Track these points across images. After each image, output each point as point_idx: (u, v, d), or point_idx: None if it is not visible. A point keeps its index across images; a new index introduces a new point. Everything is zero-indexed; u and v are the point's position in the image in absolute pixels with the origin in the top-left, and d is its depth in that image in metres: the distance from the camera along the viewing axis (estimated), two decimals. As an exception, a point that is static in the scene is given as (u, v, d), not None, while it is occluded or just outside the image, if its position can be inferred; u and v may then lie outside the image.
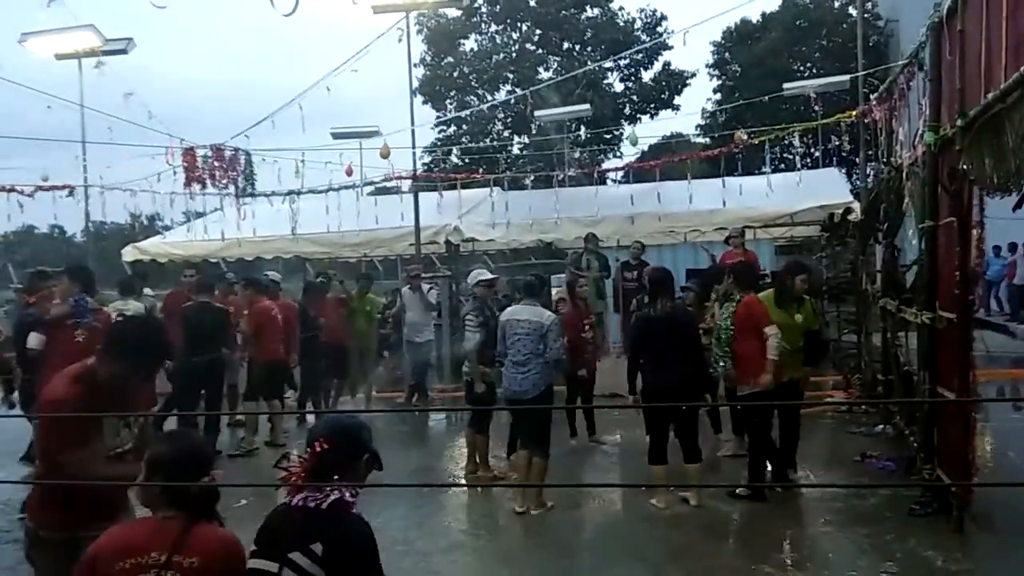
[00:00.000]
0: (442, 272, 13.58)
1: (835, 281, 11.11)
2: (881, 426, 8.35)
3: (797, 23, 30.48)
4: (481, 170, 17.36)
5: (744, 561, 5.24)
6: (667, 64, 32.28)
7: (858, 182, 13.38)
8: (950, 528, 5.43)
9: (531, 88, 19.39)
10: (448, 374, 12.02)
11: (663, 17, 32.06)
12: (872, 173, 11.35)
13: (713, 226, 12.94)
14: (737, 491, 6.48)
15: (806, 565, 5.13)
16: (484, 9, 32.36)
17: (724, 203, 12.66)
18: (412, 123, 14.12)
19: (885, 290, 8.27)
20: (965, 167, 5.02)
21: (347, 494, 2.39)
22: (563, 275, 12.20)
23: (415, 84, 17.28)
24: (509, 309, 6.72)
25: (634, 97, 32.94)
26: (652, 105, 32.72)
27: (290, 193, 13.72)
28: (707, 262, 11.76)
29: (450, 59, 32.14)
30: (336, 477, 2.40)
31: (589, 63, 27.51)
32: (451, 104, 31.78)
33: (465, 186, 14.66)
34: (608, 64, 30.42)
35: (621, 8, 32.52)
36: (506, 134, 32.04)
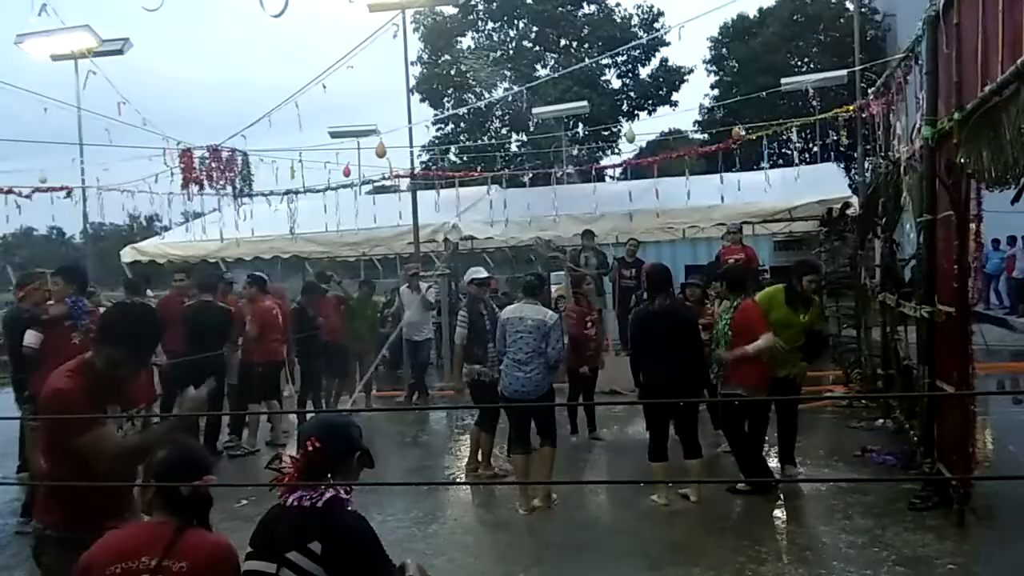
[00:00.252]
0: (441, 270, 13.56)
1: (834, 276, 11.10)
2: (881, 420, 8.36)
3: (794, 18, 30.43)
4: (479, 168, 17.31)
5: (745, 557, 5.24)
6: (664, 60, 32.25)
7: (856, 177, 13.37)
8: (951, 521, 5.44)
9: (528, 85, 19.41)
10: (448, 372, 12.01)
11: (660, 13, 32.03)
12: (870, 167, 11.34)
13: (711, 222, 12.95)
14: (738, 486, 6.49)
15: (807, 560, 5.13)
16: (481, 7, 32.30)
17: (722, 199, 12.67)
18: (409, 121, 14.10)
19: (884, 284, 8.27)
20: (962, 160, 5.01)
21: (341, 492, 2.40)
22: (561, 272, 12.20)
23: (412, 82, 17.22)
24: (510, 308, 6.72)
25: (632, 93, 32.89)
26: (650, 101, 32.68)
27: (288, 193, 13.70)
28: (707, 259, 11.77)
29: (447, 57, 32.08)
30: (329, 475, 2.41)
31: (586, 60, 27.45)
32: (448, 102, 31.72)
33: (463, 184, 14.64)
34: (605, 61, 30.38)
35: (618, 4, 32.48)
36: (504, 132, 32.00)
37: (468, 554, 5.60)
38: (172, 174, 12.98)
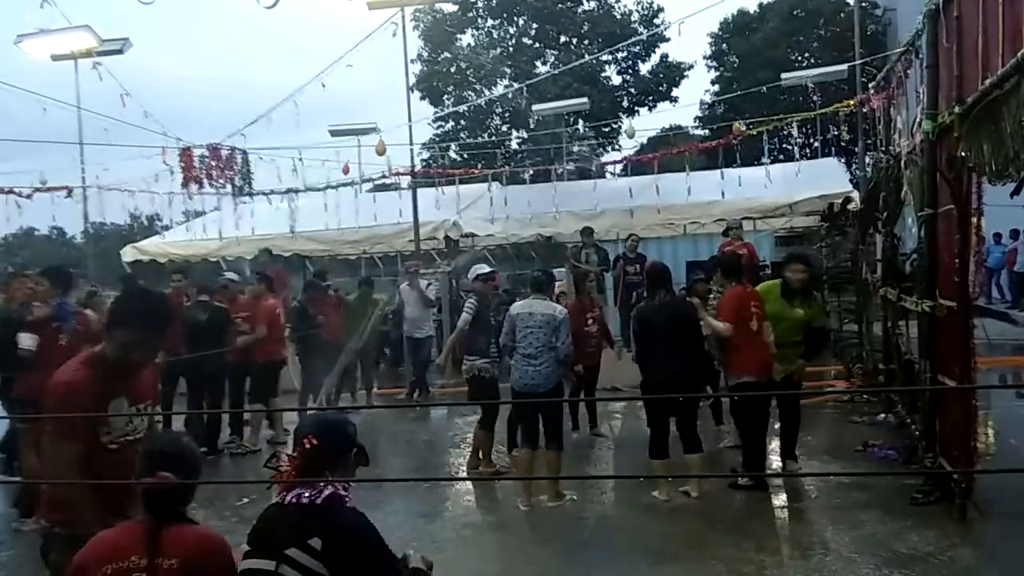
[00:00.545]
0: (441, 267, 13.56)
1: (835, 271, 11.10)
2: (883, 415, 8.35)
3: (794, 13, 30.39)
4: (479, 165, 17.30)
5: (746, 552, 5.23)
6: (665, 56, 32.24)
7: (857, 171, 13.34)
8: (953, 516, 5.43)
9: (529, 82, 19.39)
10: (449, 370, 12.01)
11: (660, 9, 32.00)
12: (871, 162, 11.32)
13: (712, 218, 12.94)
14: (739, 481, 6.48)
15: (808, 555, 5.12)
16: (480, 4, 32.28)
17: (723, 194, 12.66)
18: (409, 119, 14.10)
19: (885, 279, 8.25)
20: (963, 154, 5.00)
21: (340, 488, 2.40)
22: (562, 269, 12.19)
23: (412, 80, 17.23)
24: (519, 303, 6.73)
25: (632, 90, 32.87)
26: (650, 97, 32.66)
27: (288, 191, 13.70)
28: (709, 255, 11.74)
29: (447, 54, 32.06)
30: (327, 472, 2.41)
31: (586, 56, 27.43)
32: (448, 99, 31.70)
33: (463, 181, 14.63)
34: (605, 57, 30.34)
35: (618, 0, 32.45)
36: (504, 129, 31.99)
37: (469, 551, 5.60)
38: (172, 173, 12.99)
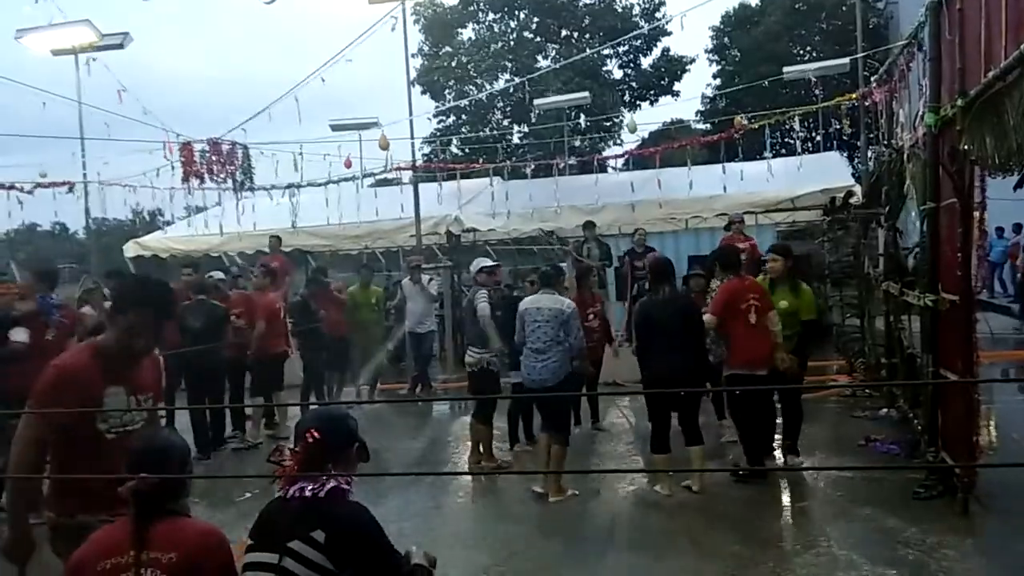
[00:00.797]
0: (443, 263, 13.55)
1: (837, 265, 11.08)
2: (885, 410, 8.34)
3: (796, 6, 30.34)
4: (481, 160, 17.29)
5: (748, 546, 5.23)
6: (666, 50, 32.15)
7: (859, 165, 13.35)
8: (955, 510, 5.42)
9: (530, 76, 19.35)
10: (451, 365, 12.02)
11: (661, 3, 31.88)
12: (873, 156, 11.29)
13: (714, 212, 12.91)
14: (740, 472, 6.48)
15: (810, 549, 5.12)
16: (481, -2, 32.22)
17: (725, 189, 12.64)
18: (411, 113, 14.07)
19: (887, 273, 8.24)
20: (966, 147, 4.98)
21: (342, 482, 2.40)
22: (563, 264, 12.18)
23: (413, 75, 17.19)
24: (528, 298, 6.74)
25: (633, 84, 32.80)
26: (651, 91, 32.59)
27: (290, 186, 13.70)
28: (710, 249, 11.72)
29: (448, 49, 32.00)
30: (329, 467, 2.42)
31: (588, 50, 27.36)
32: (450, 94, 31.65)
33: (465, 176, 14.62)
34: (607, 51, 30.28)
35: (619, -6, 32.37)
36: (505, 123, 31.95)
37: (470, 546, 5.60)
38: (173, 168, 12.99)
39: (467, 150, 27.57)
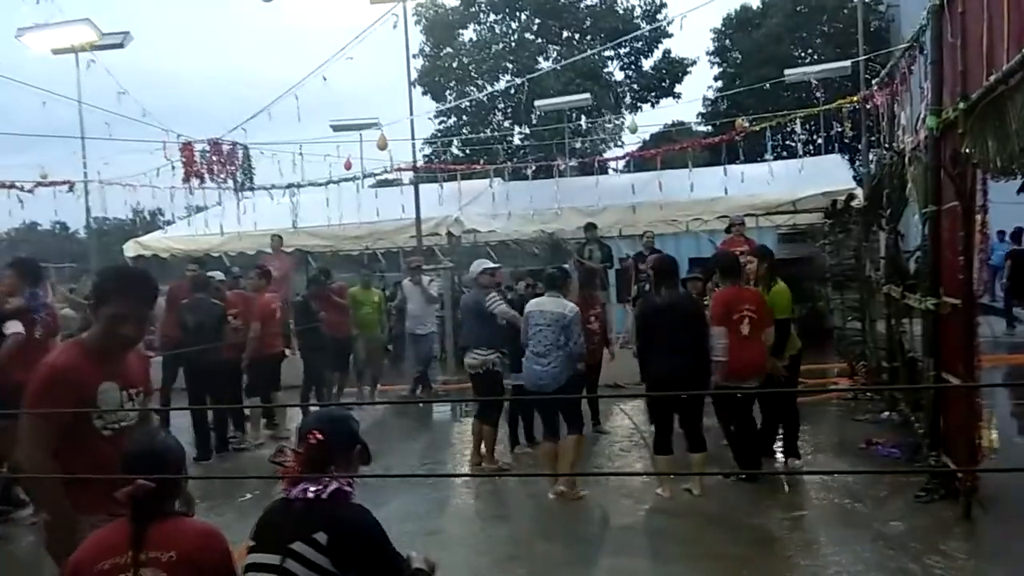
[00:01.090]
0: (444, 264, 13.54)
1: (838, 268, 11.06)
2: (886, 413, 8.33)
3: (797, 9, 30.33)
4: (482, 161, 17.29)
5: (749, 549, 5.23)
6: (667, 52, 32.15)
7: (861, 168, 13.32)
8: (957, 514, 5.41)
9: (530, 77, 19.35)
10: (452, 366, 12.01)
11: (663, 4, 31.89)
12: (875, 159, 11.28)
13: (715, 214, 12.90)
14: (742, 477, 6.47)
15: (811, 552, 5.12)
16: (482, -1, 32.23)
17: (726, 191, 12.63)
18: (411, 114, 14.07)
19: (889, 276, 8.23)
20: (968, 150, 4.97)
21: (344, 484, 2.40)
22: (565, 266, 12.17)
23: (414, 75, 17.19)
24: (533, 300, 6.72)
25: (634, 85, 32.81)
26: (653, 93, 32.59)
27: (290, 186, 13.70)
28: (711, 251, 11.72)
29: (449, 49, 32.01)
30: (332, 468, 2.41)
31: (589, 52, 27.37)
32: (451, 95, 31.66)
33: (465, 177, 14.60)
34: (608, 52, 30.29)
35: (620, -4, 32.37)
36: (506, 124, 31.95)
37: (469, 548, 5.59)
38: (173, 167, 12.98)
39: (468, 151, 27.57)
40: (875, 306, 9.38)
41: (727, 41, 32.15)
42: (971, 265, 5.43)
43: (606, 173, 16.33)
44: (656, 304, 6.46)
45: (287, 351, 9.81)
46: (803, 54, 29.42)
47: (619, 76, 32.91)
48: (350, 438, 2.53)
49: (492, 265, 7.72)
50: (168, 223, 17.99)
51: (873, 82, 9.90)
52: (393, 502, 6.34)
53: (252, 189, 13.96)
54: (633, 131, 16.72)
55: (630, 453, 7.83)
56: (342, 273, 14.20)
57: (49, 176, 13.47)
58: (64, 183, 13.69)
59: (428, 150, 27.07)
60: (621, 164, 18.03)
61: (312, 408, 9.09)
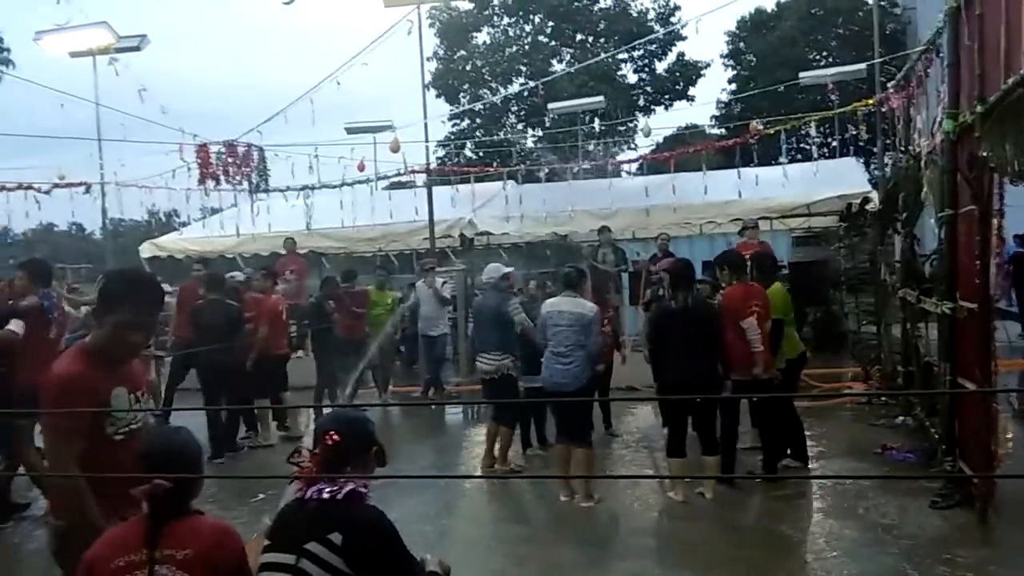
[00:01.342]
0: (457, 266, 13.55)
1: (853, 272, 11.02)
2: (901, 418, 8.27)
3: (812, 11, 30.20)
4: (495, 163, 17.32)
5: (762, 553, 5.21)
6: (681, 55, 32.13)
7: (876, 171, 13.26)
8: (972, 520, 5.38)
9: (544, 80, 19.37)
10: (464, 368, 12.02)
11: (676, 7, 31.88)
12: (890, 162, 11.23)
13: (729, 217, 12.86)
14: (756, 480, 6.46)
15: (824, 558, 5.08)
16: (496, 1, 32.27)
17: (740, 194, 12.59)
18: (425, 117, 14.11)
19: (904, 280, 8.18)
20: (985, 154, 4.94)
21: (359, 485, 2.41)
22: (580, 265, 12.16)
23: (428, 78, 17.25)
24: (550, 301, 6.69)
25: (648, 88, 32.79)
26: (666, 96, 32.56)
27: (304, 188, 13.76)
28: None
29: (463, 52, 32.09)
30: (349, 469, 2.42)
31: (602, 54, 27.36)
32: (464, 98, 31.72)
33: (479, 180, 14.63)
34: (622, 55, 30.27)
35: (634, -1, 32.36)
36: (519, 127, 31.98)
37: (481, 549, 5.60)
38: (189, 170, 13.08)
39: (481, 154, 27.62)
40: (890, 310, 9.33)
41: (741, 44, 32.08)
42: (988, 269, 5.40)
43: (619, 176, 16.34)
44: (672, 308, 6.44)
45: (298, 352, 9.85)
46: (818, 57, 29.32)
47: (633, 79, 32.89)
48: (367, 439, 2.54)
49: (509, 269, 7.71)
50: (183, 225, 18.10)
51: (889, 85, 9.85)
52: (405, 503, 6.34)
53: (267, 191, 14.04)
54: (647, 134, 16.69)
55: (642, 456, 7.81)
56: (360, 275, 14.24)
57: (66, 177, 13.60)
58: (81, 184, 13.82)
59: (441, 152, 27.17)
60: (634, 167, 18.03)
61: (326, 409, 9.16)
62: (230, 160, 12.98)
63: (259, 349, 8.71)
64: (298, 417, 9.52)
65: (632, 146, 29.85)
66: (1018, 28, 4.42)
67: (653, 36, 29.14)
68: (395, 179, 15.34)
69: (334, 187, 13.68)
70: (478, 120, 32.43)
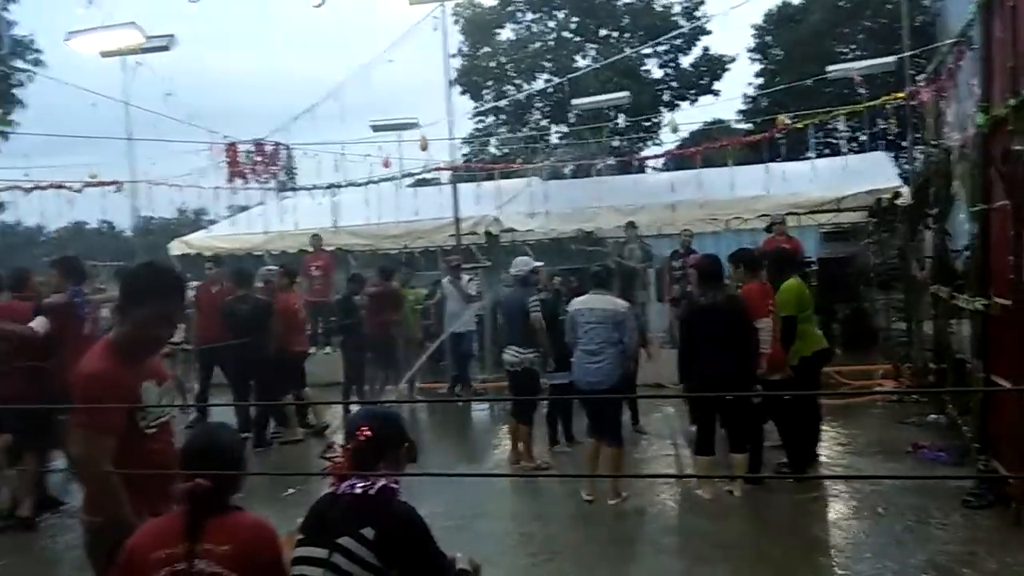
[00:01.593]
0: (482, 263, 13.58)
1: (883, 268, 10.89)
2: (933, 416, 8.16)
3: (840, 4, 29.81)
4: (520, 160, 17.30)
5: (789, 552, 5.18)
6: (706, 49, 31.85)
7: (906, 166, 13.07)
8: (1006, 521, 5.30)
9: (569, 76, 19.31)
10: (490, 364, 12.05)
11: (701, 1, 31.60)
12: (921, 156, 11.08)
13: (756, 213, 12.75)
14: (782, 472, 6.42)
15: (853, 557, 5.04)
16: (520, -2, 32.24)
17: (767, 189, 12.47)
18: (450, 114, 14.13)
19: (936, 276, 8.08)
20: (1019, 148, 4.87)
21: (391, 481, 2.43)
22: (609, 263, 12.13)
23: (452, 75, 17.27)
24: (579, 299, 6.67)
25: (673, 83, 32.57)
26: (692, 91, 32.32)
27: (331, 186, 13.83)
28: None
29: (487, 49, 32.08)
30: (381, 464, 2.45)
31: (627, 50, 27.22)
32: (489, 94, 31.72)
33: (504, 176, 14.62)
34: (646, 50, 30.09)
35: (659, -7, 32.14)
36: (544, 123, 31.92)
37: (508, 546, 5.61)
38: (218, 168, 13.20)
39: (506, 150, 27.62)
40: (922, 306, 9.22)
41: (768, 37, 31.74)
42: (1022, 264, 5.31)
43: (644, 172, 16.26)
44: (702, 304, 6.40)
45: (325, 348, 9.94)
46: (846, 50, 28.92)
47: (658, 74, 32.70)
48: (398, 435, 2.57)
49: (538, 263, 7.74)
50: (212, 222, 18.29)
51: (919, 78, 9.72)
52: (431, 499, 6.37)
53: (294, 189, 14.13)
54: (674, 130, 16.61)
55: (670, 453, 7.79)
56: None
57: (98, 176, 13.76)
58: (112, 183, 13.98)
59: (466, 149, 27.20)
60: (660, 162, 17.92)
61: (353, 405, 9.23)
62: (258, 159, 13.09)
63: (275, 346, 8.80)
64: (324, 413, 9.59)
65: (657, 141, 29.71)
66: (1054, 20, 4.35)
67: (678, 31, 28.91)
68: (420, 176, 15.39)
69: (360, 185, 13.75)
70: (502, 117, 32.42)
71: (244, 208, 15.38)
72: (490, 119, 32.39)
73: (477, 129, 31.85)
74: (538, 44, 32.10)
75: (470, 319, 11.48)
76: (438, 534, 2.50)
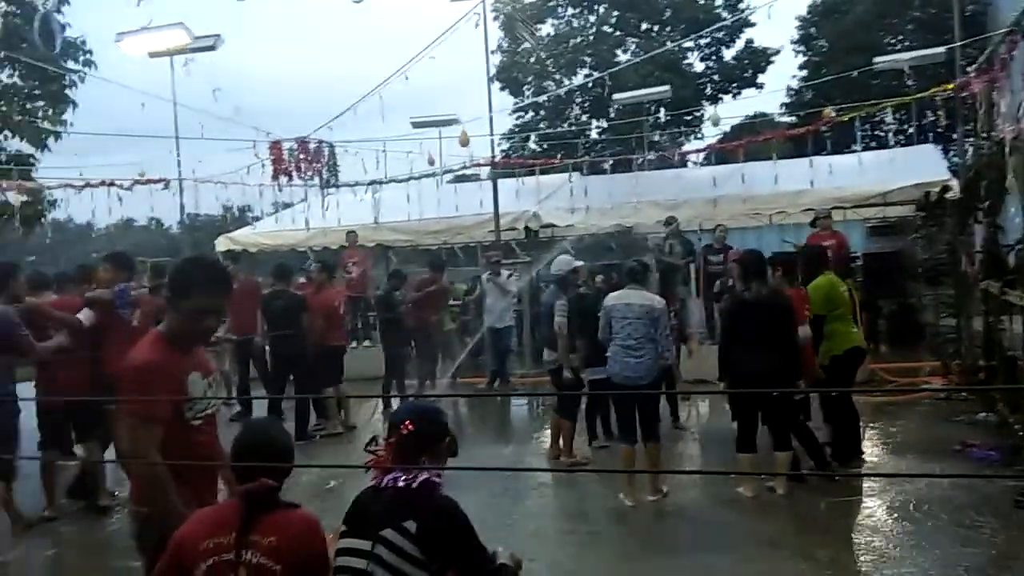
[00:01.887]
0: (522, 258, 13.59)
1: (931, 263, 10.67)
2: (983, 414, 7.97)
3: (887, -6, 29.19)
4: (559, 155, 17.25)
5: (833, 551, 5.10)
6: (749, 41, 31.41)
7: (956, 159, 12.78)
8: (1059, 521, 5.17)
9: (609, 71, 19.24)
10: (529, 360, 12.07)
11: (744, -7, 31.18)
12: (971, 149, 10.82)
13: (800, 207, 12.59)
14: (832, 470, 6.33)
15: (899, 556, 4.95)
16: (560, -7, 32.13)
17: (812, 183, 12.29)
18: (490, 110, 14.17)
19: (987, 271, 7.89)
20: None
21: (433, 475, 2.45)
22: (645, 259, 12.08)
23: (492, 71, 17.30)
24: (615, 294, 6.61)
25: (715, 76, 32.20)
26: (734, 84, 31.92)
27: (372, 183, 13.95)
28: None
29: (527, 44, 32.04)
30: (424, 459, 2.47)
31: (668, 43, 26.99)
32: (528, 90, 31.69)
33: (544, 172, 14.62)
34: (688, 44, 29.79)
35: (701, -14, 31.78)
36: (584, 118, 31.81)
37: (549, 543, 5.62)
38: (263, 166, 13.42)
39: (546, 146, 27.56)
40: (971, 302, 9.01)
41: (812, 29, 31.21)
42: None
43: (686, 166, 16.13)
44: (745, 299, 6.32)
45: (364, 342, 10.05)
46: (893, 41, 28.33)
47: (699, 67, 32.36)
48: (440, 430, 2.59)
49: (579, 263, 7.74)
50: (256, 219, 18.58)
51: (970, 69, 9.49)
52: (470, 493, 6.40)
53: (336, 186, 14.29)
54: (716, 123, 16.37)
55: (711, 450, 7.72)
56: (422, 268, 14.43)
57: (146, 174, 14.06)
58: (160, 181, 14.27)
59: (506, 145, 27.21)
60: (701, 156, 17.76)
61: (394, 399, 9.33)
62: (301, 156, 13.29)
63: (314, 341, 8.90)
64: (361, 407, 9.74)
65: (699, 135, 29.42)
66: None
67: (721, 24, 28.57)
68: (460, 172, 15.45)
69: (401, 181, 13.85)
70: (542, 112, 32.37)
71: (288, 205, 15.61)
72: (530, 115, 32.37)
73: (517, 125, 31.87)
74: (578, 39, 31.97)
75: (509, 315, 11.51)
76: (478, 528, 2.52)
